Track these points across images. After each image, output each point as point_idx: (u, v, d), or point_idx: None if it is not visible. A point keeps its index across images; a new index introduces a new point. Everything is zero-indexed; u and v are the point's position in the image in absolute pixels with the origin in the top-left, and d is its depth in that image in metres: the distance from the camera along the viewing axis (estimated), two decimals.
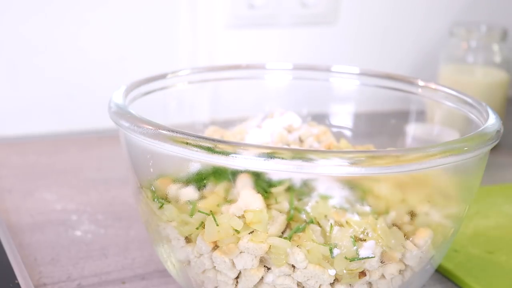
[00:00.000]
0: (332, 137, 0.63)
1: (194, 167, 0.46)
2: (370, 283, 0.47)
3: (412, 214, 0.47)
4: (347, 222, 0.44)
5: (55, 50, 0.94)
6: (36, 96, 0.94)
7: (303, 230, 0.45)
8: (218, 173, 0.46)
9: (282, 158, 0.40)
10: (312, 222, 0.45)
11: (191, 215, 0.46)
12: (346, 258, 0.44)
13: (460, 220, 0.51)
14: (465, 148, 0.44)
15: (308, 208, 0.45)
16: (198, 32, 1.01)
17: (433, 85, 0.60)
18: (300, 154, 0.41)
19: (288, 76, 0.68)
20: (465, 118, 0.55)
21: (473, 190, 0.50)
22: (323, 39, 1.07)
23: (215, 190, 0.46)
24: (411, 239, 0.46)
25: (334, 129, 0.66)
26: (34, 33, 0.92)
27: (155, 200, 0.48)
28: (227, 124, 0.64)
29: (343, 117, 0.68)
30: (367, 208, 0.45)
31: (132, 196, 0.55)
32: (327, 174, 0.42)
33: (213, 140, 0.42)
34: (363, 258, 0.44)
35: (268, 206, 0.45)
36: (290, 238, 0.44)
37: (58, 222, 0.67)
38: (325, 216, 0.44)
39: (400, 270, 0.47)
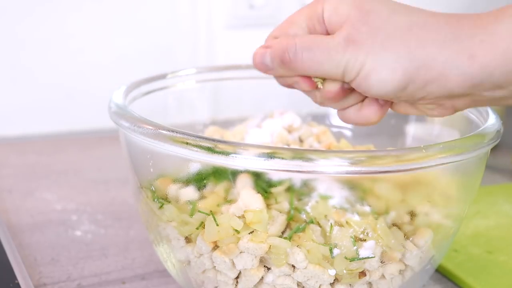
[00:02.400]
0: (332, 137, 0.63)
1: (194, 167, 0.46)
2: (370, 283, 0.47)
3: (412, 214, 0.47)
4: (347, 222, 0.44)
5: (55, 51, 0.94)
6: (36, 96, 0.94)
7: (303, 230, 0.45)
8: (218, 173, 0.46)
9: (282, 158, 0.40)
10: (312, 222, 0.45)
11: (191, 215, 0.46)
12: (346, 258, 0.44)
13: (460, 220, 0.51)
14: (465, 148, 0.44)
15: (308, 208, 0.45)
16: (198, 32, 1.01)
17: None
18: (300, 154, 0.41)
19: None
20: (465, 118, 0.55)
21: (473, 190, 0.50)
22: None
23: (215, 190, 0.46)
24: (411, 239, 0.46)
25: (334, 129, 0.66)
26: (33, 33, 0.92)
27: (155, 200, 0.48)
28: (227, 124, 0.64)
29: None
30: (367, 208, 0.45)
31: (132, 196, 0.55)
32: (327, 174, 0.42)
33: (213, 140, 0.42)
34: (363, 258, 0.44)
35: (268, 206, 0.45)
36: (290, 238, 0.44)
37: (58, 222, 0.67)
38: (325, 216, 0.44)
39: (400, 270, 0.47)
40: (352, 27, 0.42)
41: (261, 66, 0.46)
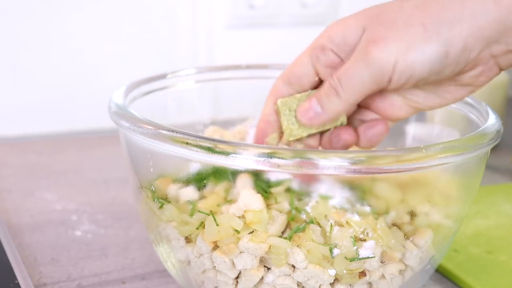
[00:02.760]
0: None
1: (194, 167, 0.46)
2: (370, 283, 0.46)
3: (412, 214, 0.47)
4: (347, 222, 0.44)
5: (55, 51, 0.94)
6: (36, 96, 0.94)
7: (303, 230, 0.45)
8: (218, 173, 0.46)
9: (282, 158, 0.40)
10: (312, 222, 0.45)
11: (191, 215, 0.46)
12: (346, 258, 0.44)
13: (460, 220, 0.51)
14: (465, 148, 0.44)
15: (308, 208, 0.45)
16: (198, 32, 1.01)
17: None
18: (300, 154, 0.41)
19: None
20: (465, 118, 0.55)
21: (473, 190, 0.50)
22: None
23: (215, 190, 0.46)
24: (411, 239, 0.46)
25: None
26: (33, 33, 0.92)
27: (155, 200, 0.48)
28: (227, 124, 0.64)
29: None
30: (367, 208, 0.45)
31: (132, 196, 0.55)
32: (327, 174, 0.42)
33: (213, 140, 0.42)
34: (363, 258, 0.44)
35: (268, 206, 0.45)
36: (290, 238, 0.44)
37: (58, 222, 0.67)
38: (325, 216, 0.44)
39: (400, 270, 0.47)
40: (370, 33, 0.43)
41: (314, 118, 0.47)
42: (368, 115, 0.50)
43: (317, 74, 0.48)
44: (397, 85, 0.44)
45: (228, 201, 0.45)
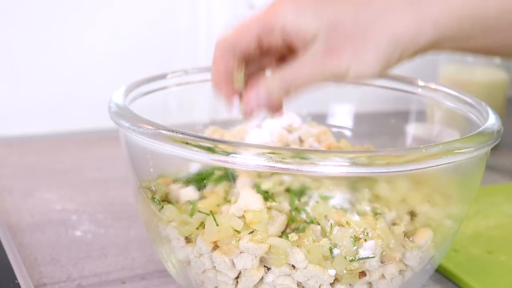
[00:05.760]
0: (332, 137, 0.63)
1: (194, 167, 0.46)
2: (370, 283, 0.47)
3: (412, 214, 0.47)
4: (347, 222, 0.44)
5: (55, 51, 0.94)
6: (37, 96, 0.94)
7: (303, 230, 0.45)
8: (218, 173, 0.46)
9: (282, 158, 0.40)
10: (312, 222, 0.45)
11: (191, 215, 0.46)
12: (346, 258, 0.44)
13: (460, 220, 0.51)
14: (465, 148, 0.44)
15: (308, 208, 0.45)
16: (198, 32, 1.01)
17: (433, 85, 0.60)
18: (300, 154, 0.41)
19: None
20: (465, 118, 0.55)
21: (473, 190, 0.50)
22: None
23: (215, 190, 0.46)
24: (411, 239, 0.46)
25: (334, 129, 0.66)
26: (34, 33, 0.92)
27: (155, 200, 0.48)
28: (227, 124, 0.64)
29: (343, 117, 0.68)
30: (367, 208, 0.45)
31: (132, 196, 0.55)
32: (327, 174, 0.42)
33: (213, 140, 0.42)
34: (363, 258, 0.44)
35: (268, 206, 0.45)
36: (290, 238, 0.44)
37: (58, 222, 0.67)
38: (325, 216, 0.44)
39: (400, 270, 0.47)
40: (326, 40, 0.46)
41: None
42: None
43: (259, 47, 0.49)
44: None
45: (228, 201, 0.45)
